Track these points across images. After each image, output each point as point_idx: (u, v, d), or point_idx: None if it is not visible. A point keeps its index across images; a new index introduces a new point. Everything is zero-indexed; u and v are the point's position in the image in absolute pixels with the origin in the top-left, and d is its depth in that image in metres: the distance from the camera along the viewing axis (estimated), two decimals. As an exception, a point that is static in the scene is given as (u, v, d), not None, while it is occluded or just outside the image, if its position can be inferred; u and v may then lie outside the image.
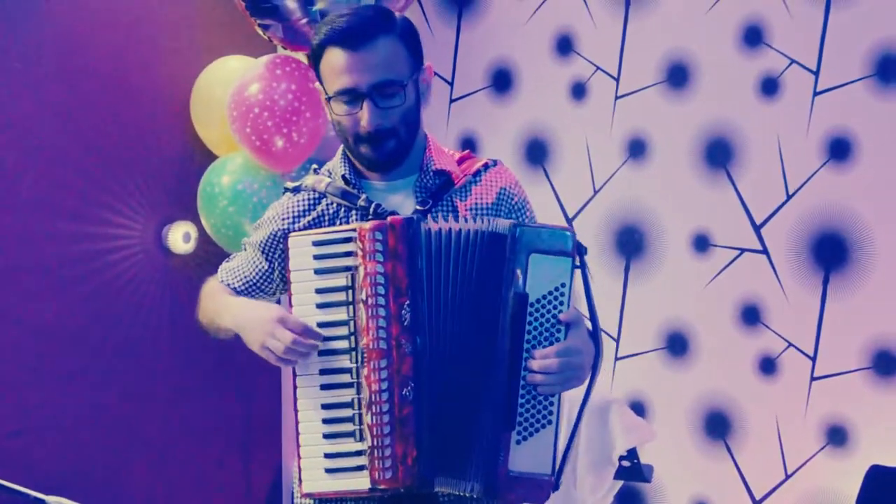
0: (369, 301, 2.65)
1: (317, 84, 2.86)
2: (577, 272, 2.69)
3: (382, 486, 2.65)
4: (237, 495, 5.12)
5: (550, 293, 2.66)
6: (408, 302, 2.65)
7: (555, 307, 2.66)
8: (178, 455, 4.90)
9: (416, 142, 2.88)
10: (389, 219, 2.69)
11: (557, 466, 2.68)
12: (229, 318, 2.86)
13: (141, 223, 4.79)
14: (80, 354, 4.59)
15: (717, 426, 4.52)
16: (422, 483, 2.65)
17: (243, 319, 2.80)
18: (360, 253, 2.68)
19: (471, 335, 2.68)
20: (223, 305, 2.91)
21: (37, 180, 4.48)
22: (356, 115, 2.77)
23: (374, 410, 2.64)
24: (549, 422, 2.66)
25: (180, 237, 4.83)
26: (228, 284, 2.98)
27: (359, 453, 2.68)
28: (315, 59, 2.81)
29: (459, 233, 2.69)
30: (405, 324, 2.65)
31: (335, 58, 2.77)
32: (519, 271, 2.64)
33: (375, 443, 2.64)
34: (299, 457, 2.73)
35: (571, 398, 2.79)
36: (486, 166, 2.97)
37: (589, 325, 2.77)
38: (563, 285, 2.66)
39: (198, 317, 3.03)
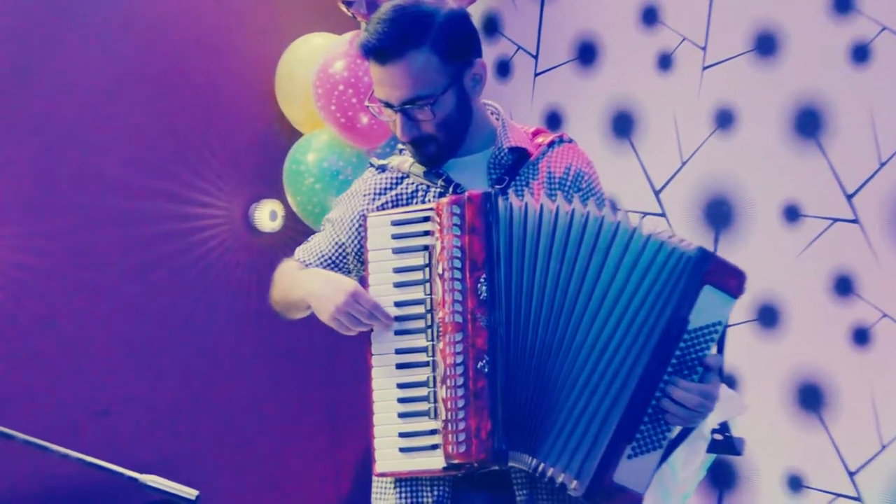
0: (445, 275, 2.66)
1: None
2: None
3: (456, 461, 2.64)
4: (326, 474, 5.14)
5: (707, 328, 2.65)
6: (484, 276, 2.64)
7: (704, 342, 2.65)
8: (266, 434, 4.93)
9: (476, 120, 2.89)
10: (467, 193, 2.69)
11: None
12: (303, 290, 2.88)
13: (227, 202, 4.83)
14: (168, 333, 4.64)
15: (811, 398, 4.46)
16: (496, 457, 2.63)
17: (317, 287, 2.82)
18: (437, 227, 2.68)
19: (577, 325, 2.66)
20: (297, 279, 2.93)
21: (123, 161, 4.53)
22: (393, 122, 2.83)
23: (448, 384, 2.64)
24: (661, 446, 2.67)
25: (267, 215, 4.85)
26: (304, 262, 3.00)
27: (433, 432, 2.68)
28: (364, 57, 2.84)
29: (584, 220, 2.68)
30: (481, 297, 2.64)
31: (371, 68, 2.81)
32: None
33: (449, 416, 2.64)
34: (373, 436, 2.73)
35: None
36: (560, 139, 2.97)
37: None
38: (719, 324, 2.66)
39: (271, 297, 3.05)
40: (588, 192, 2.92)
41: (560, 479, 2.66)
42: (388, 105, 2.81)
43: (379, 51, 2.76)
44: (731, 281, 2.65)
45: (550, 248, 2.67)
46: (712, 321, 2.64)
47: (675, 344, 2.62)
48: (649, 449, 2.65)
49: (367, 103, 2.90)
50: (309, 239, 3.08)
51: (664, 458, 2.73)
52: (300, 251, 3.05)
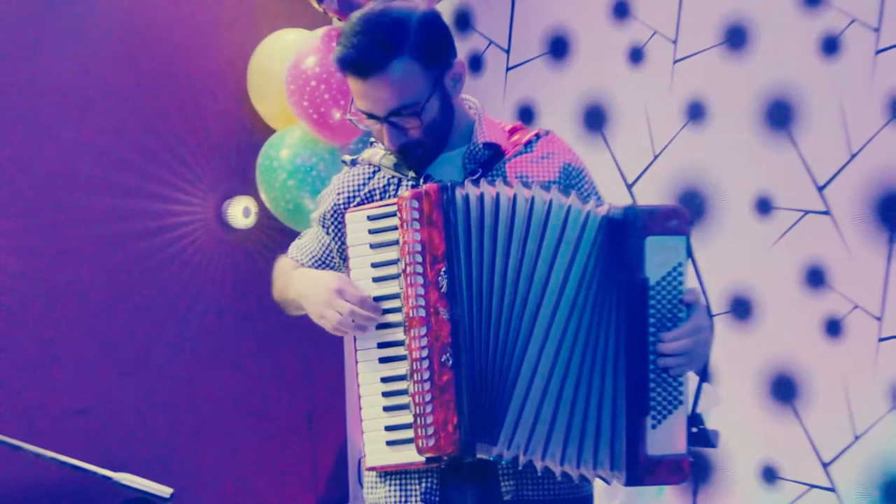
0: (408, 269, 2.66)
1: None
2: None
3: (427, 455, 2.65)
4: (303, 470, 5.14)
5: (669, 274, 2.63)
6: (444, 269, 2.64)
7: (673, 289, 2.63)
8: (242, 430, 4.93)
9: (456, 118, 2.88)
10: (424, 186, 2.69)
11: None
12: (293, 291, 2.91)
13: (201, 199, 4.82)
14: (142, 330, 4.64)
15: (784, 390, 4.48)
16: (464, 450, 2.64)
17: (305, 288, 2.85)
18: (400, 222, 2.68)
19: (536, 310, 2.66)
20: (290, 279, 2.96)
21: (96, 158, 4.53)
22: (379, 131, 2.79)
23: (415, 379, 2.65)
24: (681, 402, 2.65)
25: (240, 212, 4.85)
26: (298, 261, 3.01)
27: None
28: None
29: (529, 204, 2.68)
30: (442, 290, 2.64)
31: (351, 82, 2.76)
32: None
33: (417, 410, 2.65)
34: (363, 431, 2.74)
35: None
36: (537, 136, 2.96)
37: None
38: (679, 265, 2.64)
39: (273, 295, 3.07)
40: (582, 183, 2.93)
41: (594, 477, 2.68)
42: (372, 117, 2.77)
43: (358, 65, 2.70)
44: (670, 223, 2.63)
45: (510, 235, 2.67)
46: (672, 266, 2.63)
47: (644, 305, 2.62)
48: (670, 410, 2.64)
49: (348, 117, 2.86)
50: (301, 235, 3.09)
51: (695, 407, 2.72)
52: (293, 248, 3.06)
